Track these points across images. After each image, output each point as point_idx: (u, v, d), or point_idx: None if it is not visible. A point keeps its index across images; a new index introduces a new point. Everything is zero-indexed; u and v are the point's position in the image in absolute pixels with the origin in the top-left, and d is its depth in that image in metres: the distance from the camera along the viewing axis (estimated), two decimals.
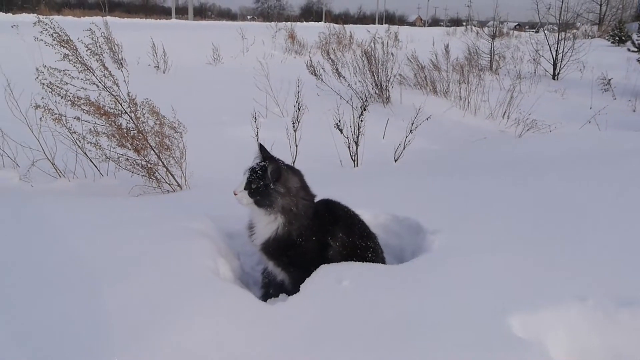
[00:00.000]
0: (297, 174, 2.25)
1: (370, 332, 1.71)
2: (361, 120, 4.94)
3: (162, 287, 1.89)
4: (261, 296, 2.35)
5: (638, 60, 12.09)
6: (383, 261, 2.40)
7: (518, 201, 2.93)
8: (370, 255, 2.30)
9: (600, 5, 41.91)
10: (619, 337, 1.72)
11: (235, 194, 2.15)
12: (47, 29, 3.54)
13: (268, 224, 2.20)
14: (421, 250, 2.37)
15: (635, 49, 12.30)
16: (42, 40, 3.51)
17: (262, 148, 2.25)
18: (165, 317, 1.71)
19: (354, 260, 2.24)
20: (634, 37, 15.17)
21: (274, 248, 2.21)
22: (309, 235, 2.21)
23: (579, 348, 1.71)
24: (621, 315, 1.75)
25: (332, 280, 2.00)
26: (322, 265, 2.15)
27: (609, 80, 10.93)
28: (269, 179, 2.12)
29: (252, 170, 2.16)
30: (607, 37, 28.72)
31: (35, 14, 19.77)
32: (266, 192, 2.13)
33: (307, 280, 2.05)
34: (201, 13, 66.69)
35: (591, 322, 1.75)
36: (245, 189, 2.14)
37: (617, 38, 26.14)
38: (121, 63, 9.50)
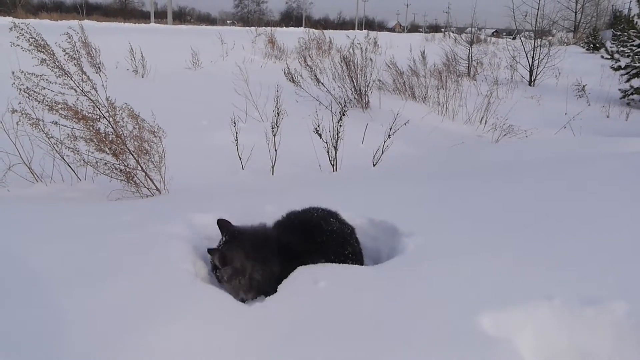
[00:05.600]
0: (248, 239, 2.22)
1: (345, 331, 1.75)
2: (340, 125, 4.98)
3: (141, 291, 1.90)
4: None
5: (612, 67, 12.37)
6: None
7: (491, 204, 3.00)
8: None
9: (575, 13, 42.86)
10: (584, 334, 1.78)
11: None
12: (23, 34, 3.52)
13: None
14: (396, 252, 2.42)
15: (609, 56, 12.58)
16: (18, 45, 3.49)
17: (221, 224, 2.29)
18: (144, 322, 1.72)
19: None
20: (608, 44, 15.51)
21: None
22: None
23: (547, 345, 1.77)
24: (586, 314, 1.81)
25: (308, 282, 2.04)
26: (299, 267, 2.19)
27: (584, 86, 11.18)
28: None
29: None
30: (582, 44, 29.37)
31: (11, 17, 19.47)
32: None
33: (284, 281, 2.09)
34: (180, 17, 66.42)
35: (558, 320, 1.81)
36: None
37: (592, 45, 26.75)
38: (99, 67, 9.42)
